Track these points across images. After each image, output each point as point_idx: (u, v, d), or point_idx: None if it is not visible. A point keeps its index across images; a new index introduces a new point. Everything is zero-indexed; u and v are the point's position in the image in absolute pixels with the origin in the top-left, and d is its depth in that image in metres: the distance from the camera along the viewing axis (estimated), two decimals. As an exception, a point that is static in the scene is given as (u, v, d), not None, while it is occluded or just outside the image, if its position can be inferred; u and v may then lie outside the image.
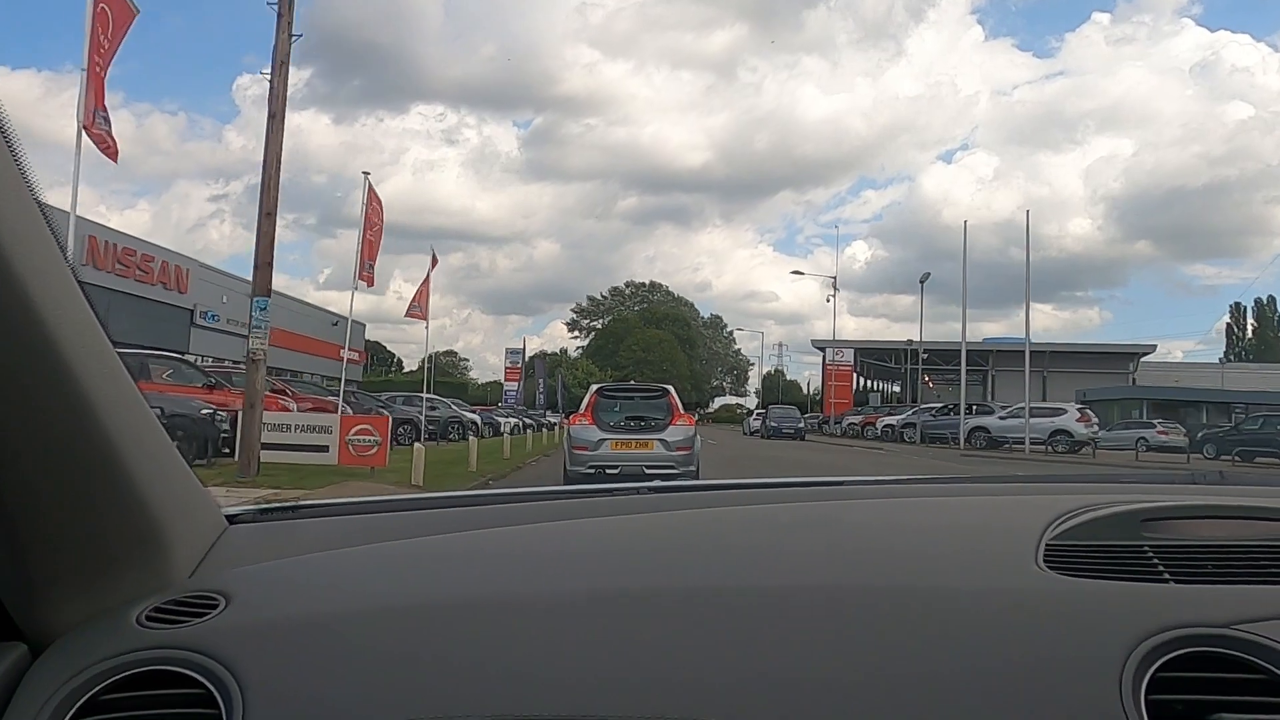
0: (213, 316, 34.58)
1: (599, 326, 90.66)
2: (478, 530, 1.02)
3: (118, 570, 0.84)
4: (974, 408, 34.55)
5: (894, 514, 1.08)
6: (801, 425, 41.71)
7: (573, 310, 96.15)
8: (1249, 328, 77.29)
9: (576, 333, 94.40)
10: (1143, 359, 56.56)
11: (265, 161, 11.38)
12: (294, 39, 11.39)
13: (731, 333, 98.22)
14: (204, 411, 12.12)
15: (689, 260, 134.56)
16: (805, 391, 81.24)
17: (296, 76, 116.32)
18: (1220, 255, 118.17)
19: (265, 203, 11.42)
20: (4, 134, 0.64)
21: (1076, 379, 47.85)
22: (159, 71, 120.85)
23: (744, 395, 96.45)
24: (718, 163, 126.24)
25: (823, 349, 59.44)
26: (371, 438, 12.70)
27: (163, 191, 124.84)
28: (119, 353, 0.80)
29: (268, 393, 17.93)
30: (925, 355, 46.90)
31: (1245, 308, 77.02)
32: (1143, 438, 31.62)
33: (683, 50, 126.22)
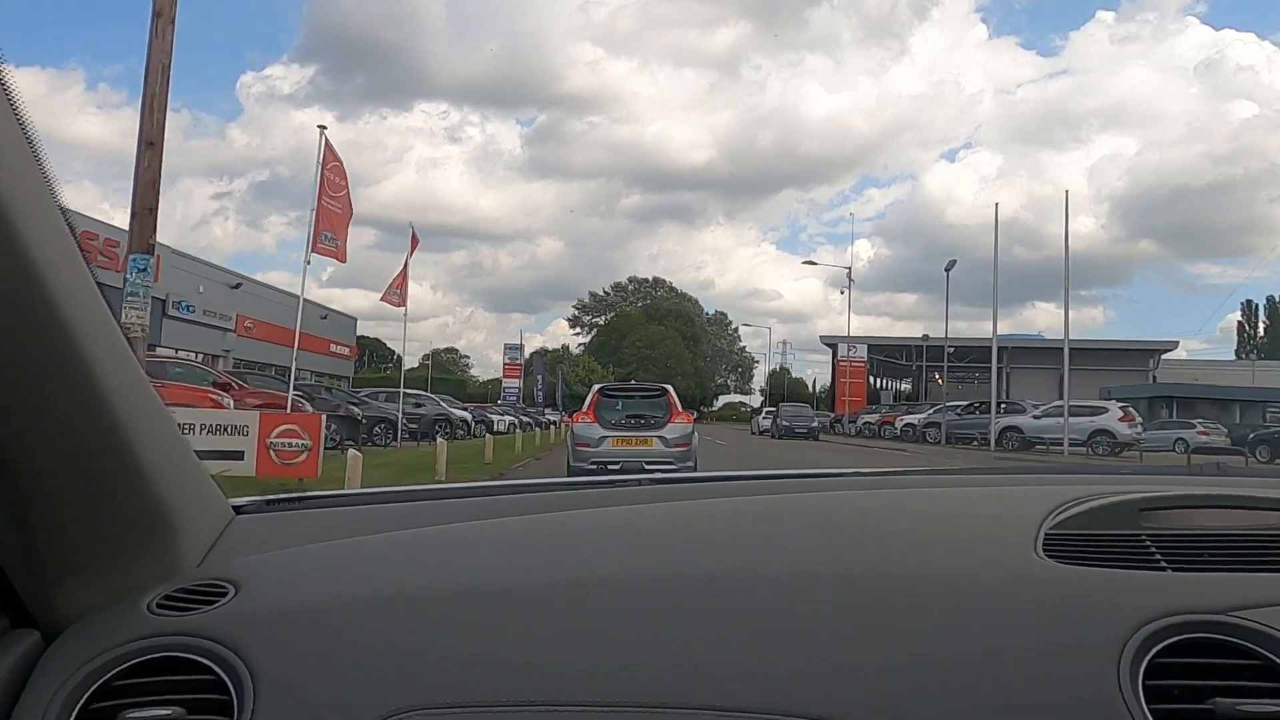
0: (187, 307, 31.76)
1: (601, 323, 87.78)
2: (483, 520, 1.02)
3: (128, 558, 0.83)
4: (1003, 406, 31.36)
5: (894, 503, 1.07)
6: (815, 424, 38.32)
7: (574, 307, 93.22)
8: (1260, 325, 75.87)
9: (578, 329, 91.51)
10: (1164, 356, 53.59)
11: (148, 71, 8.31)
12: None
13: (736, 329, 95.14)
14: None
15: (692, 258, 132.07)
16: (812, 389, 78.30)
17: (300, 74, 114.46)
18: (1224, 254, 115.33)
19: (146, 128, 8.35)
20: (28, 136, 0.64)
21: (1095, 377, 44.89)
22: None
23: (749, 393, 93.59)
24: (721, 161, 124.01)
25: (833, 345, 56.34)
26: (300, 441, 9.62)
27: (167, 189, 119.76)
28: None
29: (209, 386, 15.32)
30: (942, 350, 44.45)
31: (1257, 305, 75.84)
32: (1181, 438, 28.83)
33: (686, 48, 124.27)
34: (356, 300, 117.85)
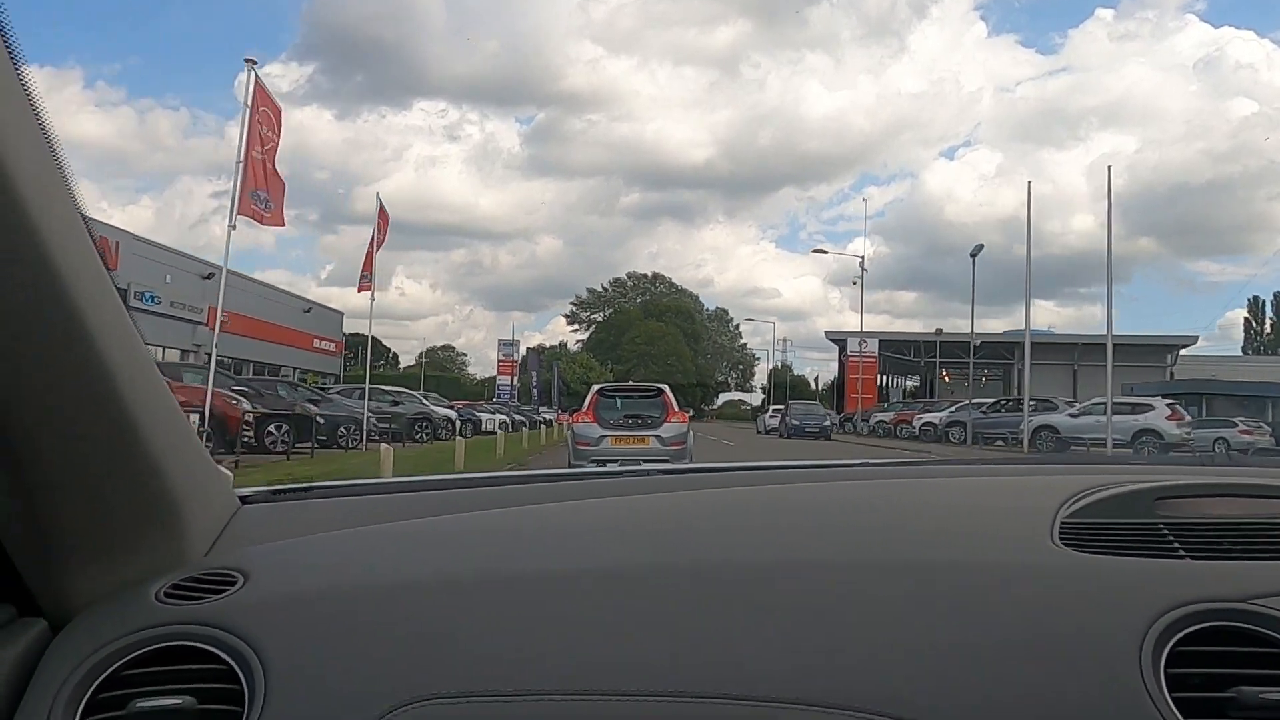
0: (151, 298, 28.67)
1: (600, 319, 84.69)
2: (489, 510, 1.00)
3: (135, 547, 0.83)
4: (1033, 403, 28.32)
5: (907, 493, 1.05)
6: (828, 423, 35.08)
7: (572, 303, 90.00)
8: (1268, 322, 74.34)
9: (576, 326, 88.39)
10: (1181, 351, 50.76)
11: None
12: None
13: (738, 326, 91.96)
14: None
15: (692, 256, 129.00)
16: (814, 387, 75.30)
17: (299, 72, 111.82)
18: (1223, 252, 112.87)
19: None
20: (49, 139, 0.65)
21: (1112, 373, 42.14)
22: (161, 67, 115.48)
23: (750, 391, 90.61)
24: (721, 159, 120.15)
25: (840, 341, 53.34)
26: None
27: (165, 187, 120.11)
28: None
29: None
30: (950, 347, 41.80)
31: (1264, 302, 73.95)
32: (1222, 437, 25.88)
33: (686, 46, 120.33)
34: (356, 299, 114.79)
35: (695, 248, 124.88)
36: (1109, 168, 24.94)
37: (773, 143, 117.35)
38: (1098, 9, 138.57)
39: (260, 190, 11.87)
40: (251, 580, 0.81)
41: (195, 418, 9.54)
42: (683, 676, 0.70)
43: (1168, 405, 25.40)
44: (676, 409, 11.69)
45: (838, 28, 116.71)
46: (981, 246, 31.21)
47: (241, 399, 13.79)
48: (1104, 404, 24.98)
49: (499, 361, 55.81)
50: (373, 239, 17.93)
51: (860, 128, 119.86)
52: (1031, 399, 27.46)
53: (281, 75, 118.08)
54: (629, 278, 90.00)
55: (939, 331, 43.44)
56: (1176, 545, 0.84)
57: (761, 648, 0.72)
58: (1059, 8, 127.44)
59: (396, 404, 24.27)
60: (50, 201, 0.63)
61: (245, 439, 13.14)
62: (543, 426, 31.83)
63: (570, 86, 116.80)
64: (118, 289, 0.75)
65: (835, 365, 59.21)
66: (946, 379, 46.90)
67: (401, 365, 79.37)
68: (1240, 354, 65.17)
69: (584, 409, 11.69)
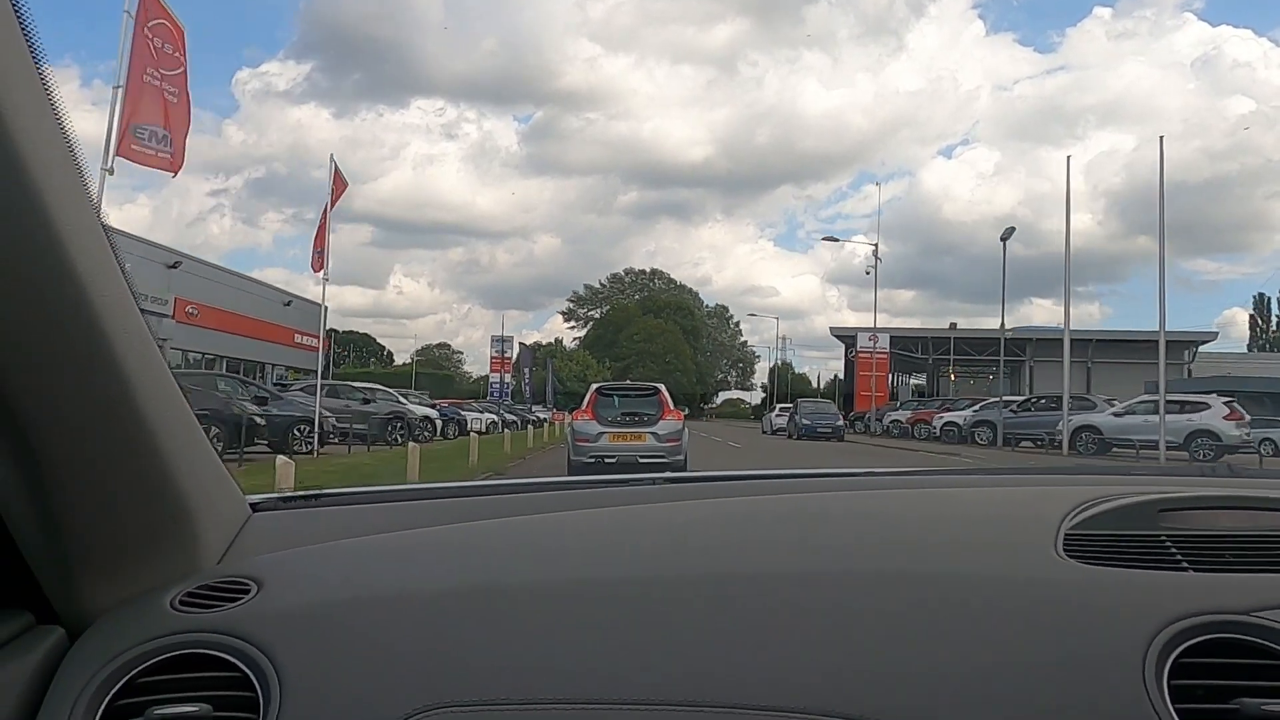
0: (108, 287, 25.76)
1: (597, 316, 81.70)
2: (502, 518, 1.00)
3: (150, 555, 0.82)
4: (1070, 401, 25.35)
5: (912, 504, 1.05)
6: (840, 423, 32.12)
7: (569, 300, 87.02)
8: (1274, 319, 71.83)
9: (573, 323, 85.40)
10: (1200, 348, 47.87)
11: None
12: None
13: (738, 323, 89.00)
14: None
15: (690, 255, 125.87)
16: (816, 385, 72.32)
17: (296, 71, 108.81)
18: (1221, 251, 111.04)
19: None
20: (69, 143, 0.64)
21: (1125, 370, 39.36)
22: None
23: (750, 389, 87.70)
24: (719, 157, 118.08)
25: (849, 338, 50.19)
26: None
27: (163, 186, 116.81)
28: None
29: None
30: (956, 343, 39.07)
31: (1269, 299, 71.46)
32: (1269, 438, 23.08)
33: (684, 45, 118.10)
34: (353, 298, 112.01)
35: (693, 246, 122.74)
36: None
37: (771, 141, 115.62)
38: (1096, 7, 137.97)
39: (150, 124, 8.89)
40: (265, 589, 0.81)
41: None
42: (694, 685, 0.70)
43: (1225, 404, 22.41)
44: (672, 407, 11.83)
45: (836, 26, 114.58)
46: (1013, 229, 28.39)
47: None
48: (1150, 402, 22.05)
49: (491, 359, 52.78)
50: (325, 210, 14.95)
51: (858, 126, 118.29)
52: (1070, 397, 24.53)
53: (279, 73, 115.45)
54: (627, 274, 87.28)
55: (953, 326, 40.57)
56: (1180, 558, 0.83)
57: (771, 658, 0.72)
58: (1057, 6, 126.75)
59: (368, 402, 21.32)
60: (70, 205, 0.62)
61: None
62: (529, 428, 28.91)
63: (568, 85, 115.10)
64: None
65: (836, 363, 56.29)
66: (953, 377, 43.98)
67: (396, 363, 76.66)
68: (1245, 351, 62.61)
69: (584, 407, 11.82)
